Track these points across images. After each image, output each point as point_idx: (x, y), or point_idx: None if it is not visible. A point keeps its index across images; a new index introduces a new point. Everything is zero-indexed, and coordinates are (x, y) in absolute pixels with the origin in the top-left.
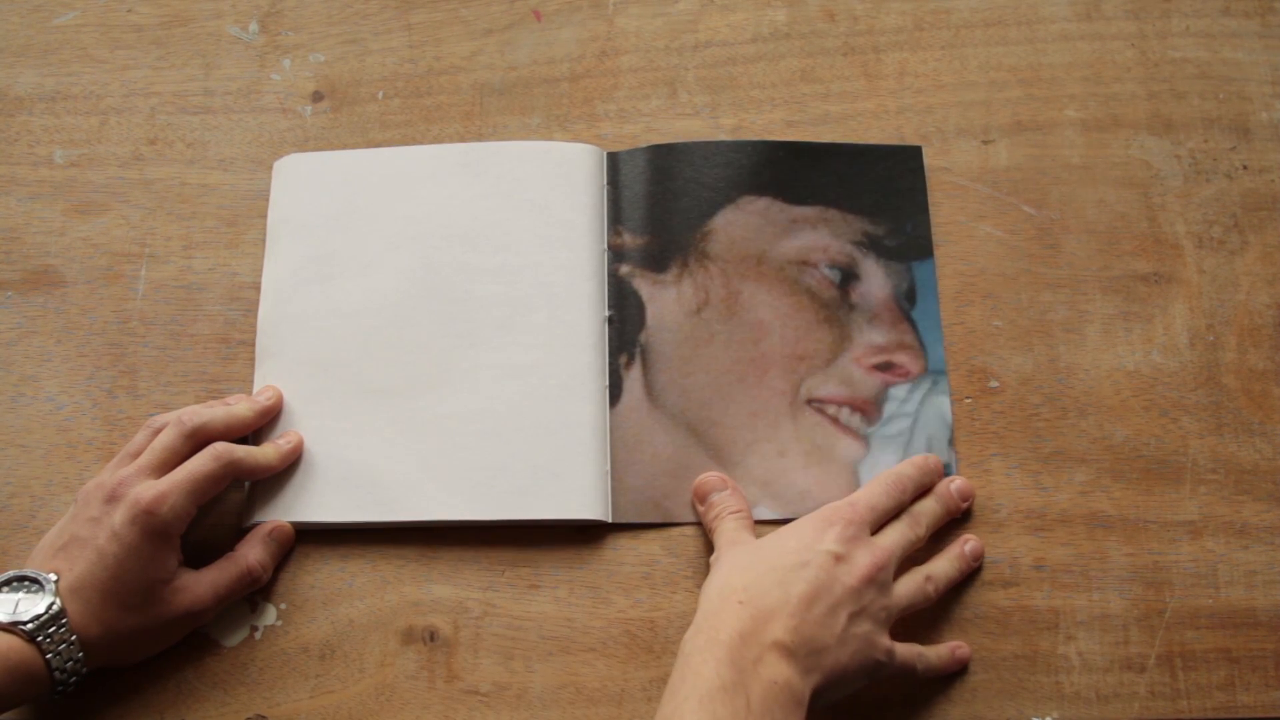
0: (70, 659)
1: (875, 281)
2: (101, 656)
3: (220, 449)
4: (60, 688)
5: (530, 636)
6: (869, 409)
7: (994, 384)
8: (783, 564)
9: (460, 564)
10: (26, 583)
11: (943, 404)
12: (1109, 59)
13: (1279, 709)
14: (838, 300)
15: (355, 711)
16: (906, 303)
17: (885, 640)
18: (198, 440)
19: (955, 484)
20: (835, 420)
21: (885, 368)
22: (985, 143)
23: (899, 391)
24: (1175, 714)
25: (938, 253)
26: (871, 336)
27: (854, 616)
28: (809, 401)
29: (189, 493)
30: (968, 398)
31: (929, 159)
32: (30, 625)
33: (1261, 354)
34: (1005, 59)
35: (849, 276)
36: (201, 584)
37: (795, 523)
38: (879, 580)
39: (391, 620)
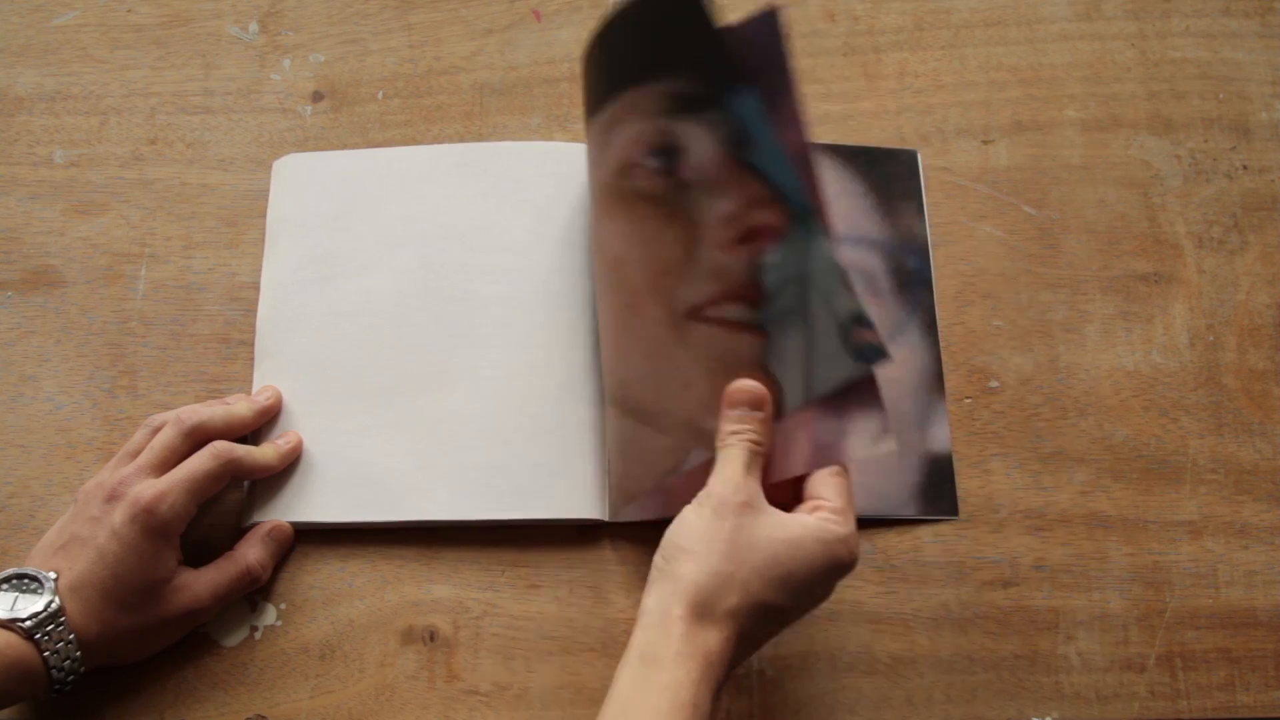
0: (68, 658)
1: (699, 145)
2: (100, 655)
3: (220, 447)
4: (58, 686)
5: (530, 636)
6: (749, 293)
7: (994, 384)
8: (773, 602)
9: (460, 564)
10: (26, 580)
11: (822, 246)
12: (1109, 59)
13: (1279, 709)
14: (672, 188)
15: (355, 711)
16: (743, 152)
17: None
18: (196, 439)
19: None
20: (720, 321)
21: (747, 238)
22: (985, 143)
23: (772, 258)
24: (1175, 714)
25: (937, 253)
26: (719, 208)
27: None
28: (687, 315)
29: (188, 491)
30: (968, 398)
31: (929, 159)
32: (28, 623)
33: (1261, 354)
34: (1005, 59)
35: (671, 154)
36: (201, 583)
37: (806, 537)
38: None
39: (391, 620)
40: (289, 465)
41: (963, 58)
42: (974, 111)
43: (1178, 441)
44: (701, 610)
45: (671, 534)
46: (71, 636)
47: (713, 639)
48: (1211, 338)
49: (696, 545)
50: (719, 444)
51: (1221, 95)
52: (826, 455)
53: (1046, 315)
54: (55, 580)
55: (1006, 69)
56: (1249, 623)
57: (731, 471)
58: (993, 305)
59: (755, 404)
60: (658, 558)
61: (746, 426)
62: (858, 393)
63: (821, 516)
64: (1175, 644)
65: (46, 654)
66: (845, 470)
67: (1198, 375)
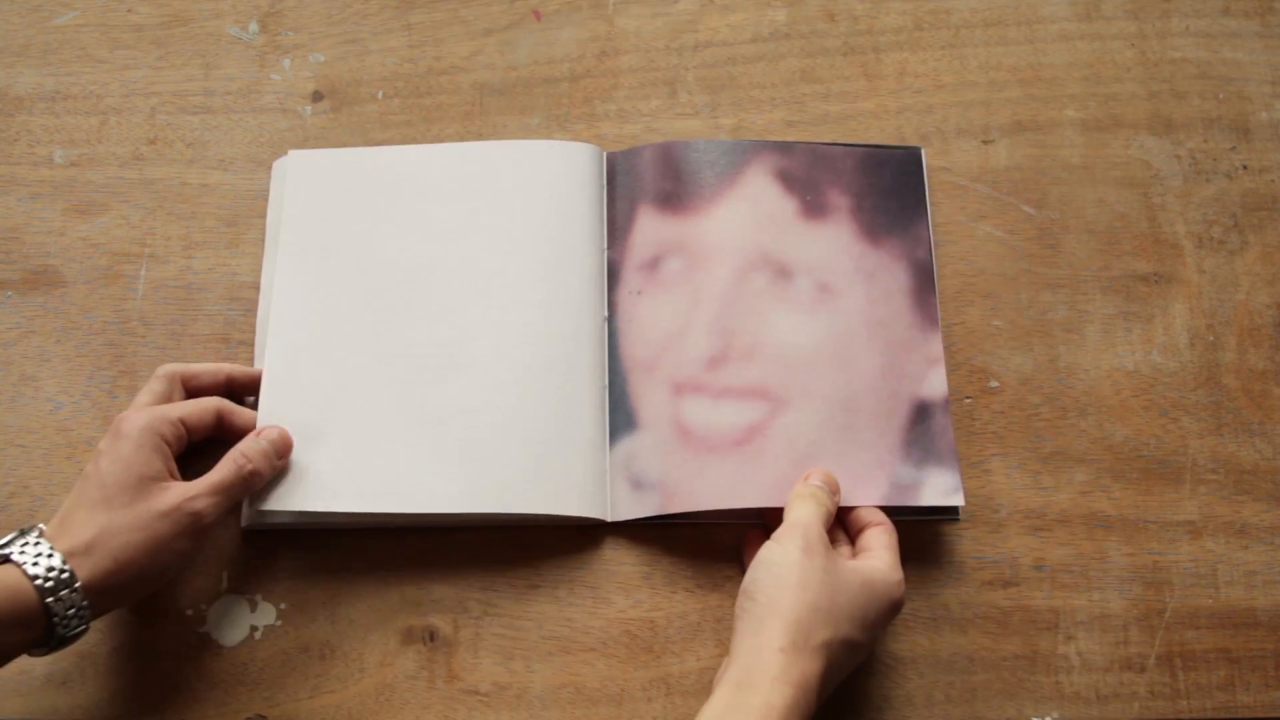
0: (55, 574)
1: None
2: (94, 565)
3: (210, 399)
4: (55, 620)
5: (530, 636)
6: None
7: (994, 384)
8: (856, 638)
9: (460, 564)
10: (16, 535)
11: None
12: (1109, 59)
13: (1279, 709)
14: None
15: (355, 711)
16: None
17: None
18: (172, 381)
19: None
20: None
21: None
22: (985, 143)
23: None
24: (1175, 714)
25: (937, 253)
26: None
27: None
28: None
29: (165, 413)
30: (968, 398)
31: (928, 159)
32: (2, 544)
33: (1261, 354)
34: (1005, 59)
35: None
36: (196, 483)
37: (875, 579)
38: None
39: (391, 620)
40: (287, 462)
41: (963, 58)
42: (974, 111)
43: (1178, 441)
44: (799, 641)
45: (760, 573)
46: (54, 553)
47: (808, 668)
48: (1211, 338)
49: (792, 579)
50: (797, 493)
51: (1221, 95)
52: (902, 495)
53: (1046, 315)
54: (43, 528)
55: (1006, 69)
56: (1249, 623)
57: (812, 516)
58: (993, 305)
59: (833, 488)
60: (744, 599)
61: (825, 495)
62: (936, 448)
63: (880, 564)
64: (1175, 644)
65: (25, 565)
66: (893, 528)
67: (1198, 375)
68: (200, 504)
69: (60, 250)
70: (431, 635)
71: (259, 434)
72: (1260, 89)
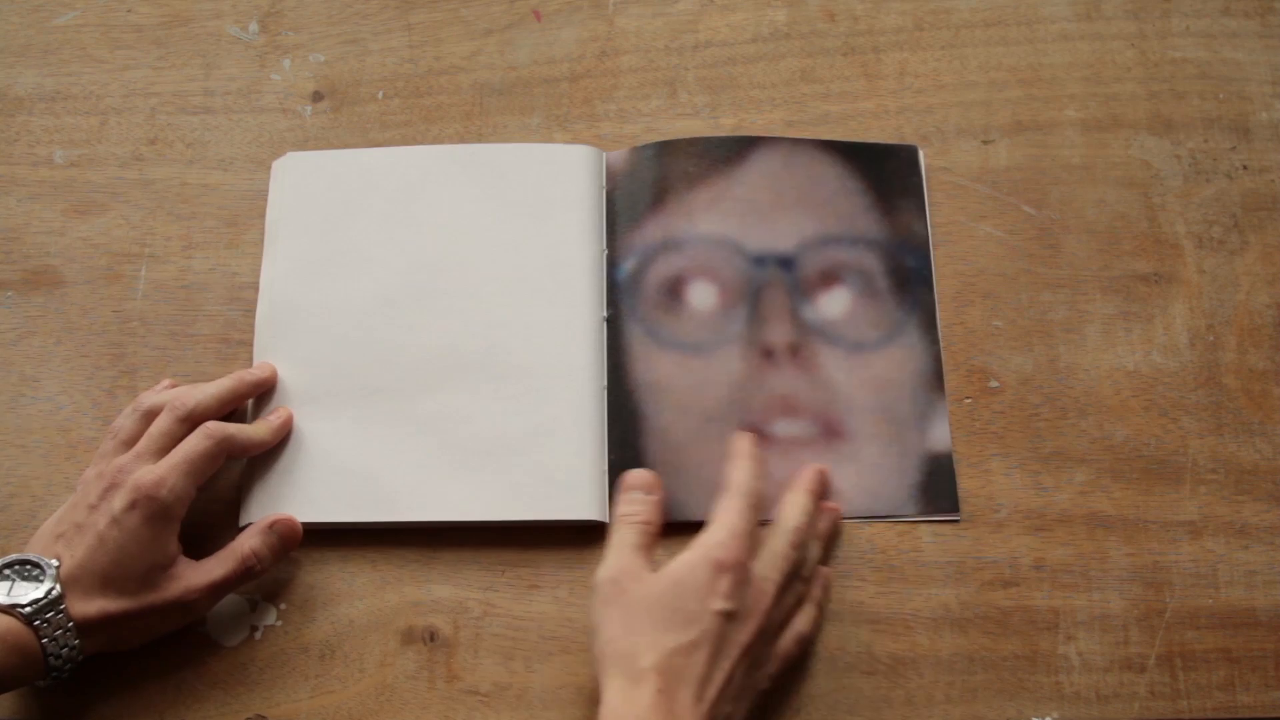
0: (66, 645)
1: None
2: (98, 643)
3: (212, 427)
4: (55, 673)
5: (530, 636)
6: None
7: (994, 384)
8: (683, 639)
9: (460, 564)
10: (27, 567)
11: None
12: (1109, 59)
13: (1279, 709)
14: None
15: (355, 711)
16: None
17: (765, 673)
18: (193, 423)
19: (810, 472)
20: None
21: None
22: (985, 143)
23: None
24: (1175, 714)
25: (937, 253)
26: None
27: (747, 670)
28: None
29: (186, 474)
30: (968, 398)
31: (928, 159)
32: (28, 609)
33: (1261, 354)
34: (1005, 59)
35: None
36: (198, 573)
37: (682, 567)
38: (769, 628)
39: (391, 620)
40: (284, 461)
41: (963, 58)
42: (974, 111)
43: (1178, 441)
44: (641, 684)
45: (589, 616)
46: (70, 624)
47: (643, 693)
48: (1211, 338)
49: (598, 621)
50: (613, 525)
51: (1221, 95)
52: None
53: (1046, 315)
54: (57, 568)
55: (1006, 69)
56: (1249, 623)
57: (618, 554)
58: (993, 305)
59: (649, 488)
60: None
61: (638, 509)
62: None
63: (707, 532)
64: (1175, 644)
65: (45, 640)
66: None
67: (1198, 375)
68: (200, 602)
69: (60, 250)
70: (431, 635)
71: (271, 525)
72: (1260, 89)
